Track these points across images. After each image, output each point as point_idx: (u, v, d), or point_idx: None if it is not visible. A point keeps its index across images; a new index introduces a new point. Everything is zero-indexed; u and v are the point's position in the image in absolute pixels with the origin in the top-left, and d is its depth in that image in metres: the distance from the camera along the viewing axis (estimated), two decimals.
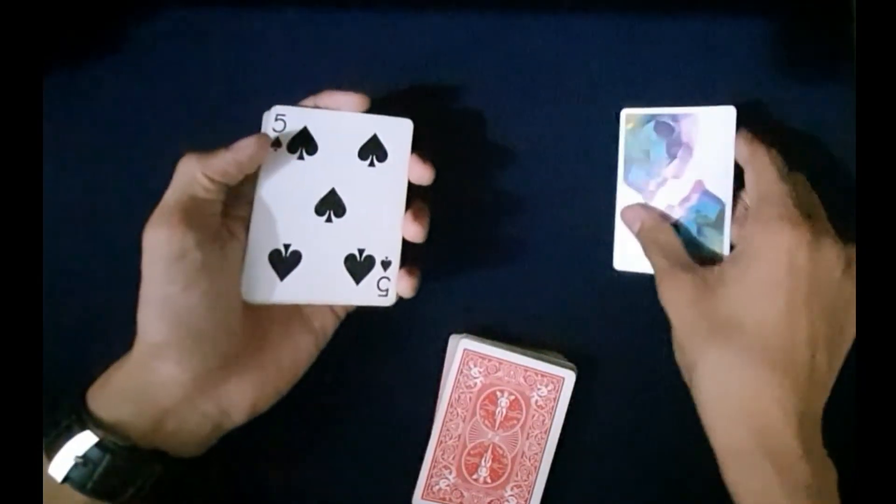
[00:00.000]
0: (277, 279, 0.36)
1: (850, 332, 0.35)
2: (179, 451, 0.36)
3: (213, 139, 0.44)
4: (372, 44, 0.44)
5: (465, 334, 0.42)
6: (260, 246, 0.36)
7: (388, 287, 0.37)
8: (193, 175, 0.34)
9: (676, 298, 0.37)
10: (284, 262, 0.36)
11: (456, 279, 0.43)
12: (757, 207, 0.37)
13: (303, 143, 0.36)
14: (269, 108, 0.43)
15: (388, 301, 0.37)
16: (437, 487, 0.41)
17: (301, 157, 0.36)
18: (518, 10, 0.43)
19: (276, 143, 0.36)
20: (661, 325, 0.43)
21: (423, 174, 0.38)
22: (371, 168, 0.37)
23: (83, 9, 0.43)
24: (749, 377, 0.34)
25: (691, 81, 0.43)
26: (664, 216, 0.41)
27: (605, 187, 0.43)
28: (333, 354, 0.43)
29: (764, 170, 0.38)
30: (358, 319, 0.43)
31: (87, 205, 0.43)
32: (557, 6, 0.43)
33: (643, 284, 0.43)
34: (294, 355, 0.39)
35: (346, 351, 0.43)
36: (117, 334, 0.42)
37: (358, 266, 0.37)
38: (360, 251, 0.37)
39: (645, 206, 0.41)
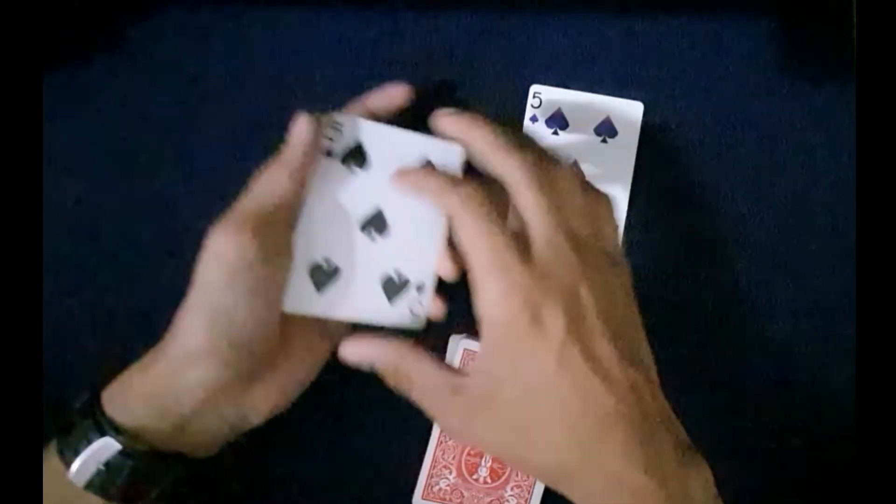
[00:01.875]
0: (315, 292, 0.35)
1: (633, 323, 0.34)
2: (195, 453, 0.36)
3: (213, 139, 0.44)
4: (372, 43, 0.44)
5: (465, 335, 0.42)
6: (302, 256, 0.35)
7: (420, 311, 0.37)
8: (278, 179, 0.34)
9: (468, 429, 0.33)
10: (324, 275, 0.35)
11: (456, 279, 0.43)
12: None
13: (356, 156, 0.36)
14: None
15: (419, 325, 0.37)
16: (437, 487, 0.41)
17: (352, 171, 0.36)
18: (519, 10, 0.43)
19: (330, 152, 0.35)
20: (660, 325, 0.43)
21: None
22: None
23: (83, 9, 0.43)
24: (582, 469, 0.31)
25: (691, 81, 0.43)
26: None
27: None
28: (334, 354, 0.43)
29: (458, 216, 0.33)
30: None
31: (87, 205, 0.43)
32: (558, 6, 0.43)
33: (645, 284, 0.43)
34: (312, 359, 0.38)
35: None
36: (117, 334, 0.42)
37: (394, 287, 0.36)
38: (398, 273, 0.36)
39: (373, 339, 0.35)
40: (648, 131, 0.43)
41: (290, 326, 0.37)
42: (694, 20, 0.43)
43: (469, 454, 0.41)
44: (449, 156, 0.36)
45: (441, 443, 0.41)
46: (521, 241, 0.32)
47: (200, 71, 0.44)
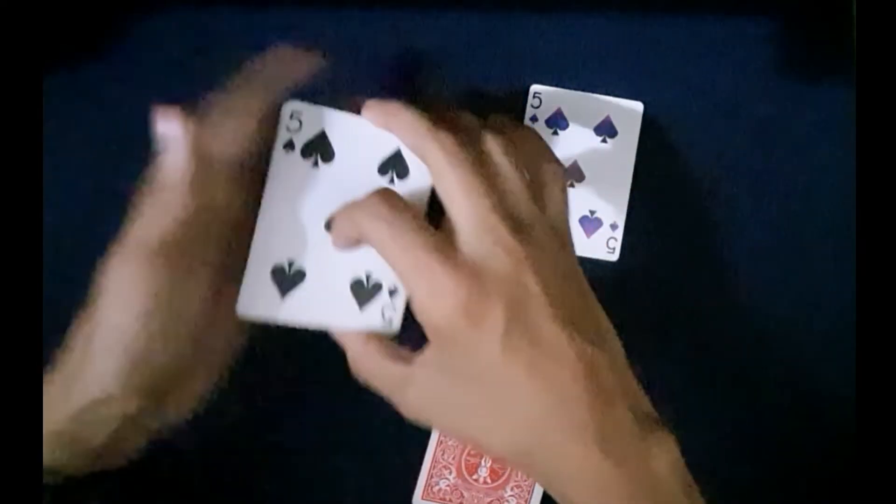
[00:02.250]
0: (278, 297, 0.33)
1: (586, 298, 0.32)
2: (120, 465, 0.34)
3: None
4: (372, 43, 0.44)
5: None
6: (262, 258, 0.33)
7: (392, 316, 0.34)
8: (167, 198, 0.30)
9: (426, 417, 0.32)
10: (287, 279, 0.33)
11: None
12: None
13: (319, 148, 0.33)
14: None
15: (392, 330, 0.34)
16: (437, 487, 0.41)
17: (315, 164, 0.33)
18: (519, 10, 0.43)
19: (290, 145, 0.33)
20: (660, 325, 0.43)
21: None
22: (390, 185, 0.33)
23: (83, 9, 0.43)
24: (537, 443, 0.30)
25: (691, 81, 0.43)
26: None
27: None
28: (333, 354, 0.43)
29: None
30: None
31: (87, 205, 0.43)
32: (558, 6, 0.43)
33: (643, 284, 0.43)
34: (227, 351, 0.36)
35: None
36: None
37: (364, 292, 0.33)
38: (368, 276, 0.33)
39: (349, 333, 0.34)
40: (648, 131, 0.43)
41: (206, 329, 0.33)
42: (694, 20, 0.43)
43: (469, 454, 0.41)
44: None
45: (441, 443, 0.41)
46: (446, 238, 0.30)
47: (200, 71, 0.44)
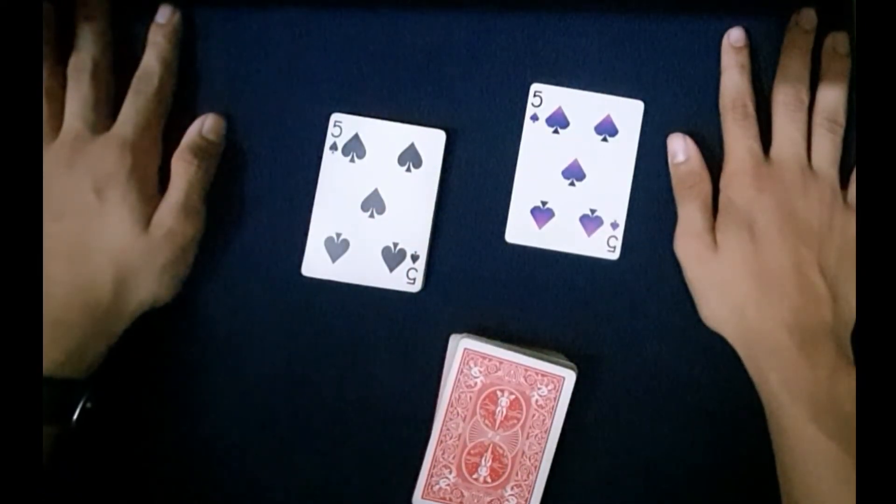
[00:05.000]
0: (330, 261, 0.42)
1: (844, 253, 0.39)
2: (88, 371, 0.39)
3: None
4: (373, 43, 0.44)
5: (465, 334, 0.42)
6: (320, 231, 0.43)
7: (415, 277, 0.43)
8: None
9: (688, 255, 0.41)
10: (336, 247, 0.42)
11: (456, 279, 0.43)
12: (724, 160, 0.42)
13: (354, 147, 0.42)
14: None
15: (415, 288, 0.43)
16: (438, 487, 0.41)
17: (352, 160, 0.42)
18: (519, 10, 0.43)
19: (334, 146, 0.43)
20: (662, 325, 0.43)
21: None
22: (408, 173, 0.42)
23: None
24: (750, 319, 0.39)
25: (691, 81, 0.43)
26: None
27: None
28: (334, 354, 0.43)
29: (727, 130, 0.42)
30: (358, 320, 0.43)
31: None
32: (558, 6, 0.43)
33: (645, 284, 0.43)
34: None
35: (346, 351, 0.43)
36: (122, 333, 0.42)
37: (392, 257, 0.43)
38: (395, 244, 0.43)
39: (693, 142, 0.42)
40: (648, 130, 0.43)
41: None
42: (694, 20, 0.43)
43: (469, 454, 0.41)
44: (432, 140, 0.43)
45: (441, 442, 0.41)
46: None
47: (200, 71, 0.44)
